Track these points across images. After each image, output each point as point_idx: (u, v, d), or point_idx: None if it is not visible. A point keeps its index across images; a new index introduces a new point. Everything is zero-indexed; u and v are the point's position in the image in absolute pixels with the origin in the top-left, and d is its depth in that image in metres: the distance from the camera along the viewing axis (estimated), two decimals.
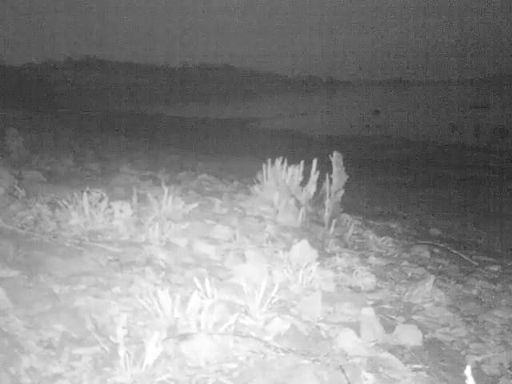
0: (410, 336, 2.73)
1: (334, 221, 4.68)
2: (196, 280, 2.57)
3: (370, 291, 3.48)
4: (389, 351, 2.50)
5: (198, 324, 2.29)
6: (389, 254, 4.58)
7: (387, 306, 3.28)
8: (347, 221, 5.10)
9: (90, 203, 3.65)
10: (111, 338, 2.10)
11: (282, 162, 5.23)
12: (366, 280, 3.57)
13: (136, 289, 2.69)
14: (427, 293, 3.44)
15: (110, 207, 3.69)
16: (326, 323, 2.75)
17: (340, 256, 4.03)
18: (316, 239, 4.35)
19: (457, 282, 3.95)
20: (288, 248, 3.80)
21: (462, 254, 4.84)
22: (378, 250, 4.62)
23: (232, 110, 44.77)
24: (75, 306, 2.41)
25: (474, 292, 3.79)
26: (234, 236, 3.96)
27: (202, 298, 2.46)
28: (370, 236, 4.90)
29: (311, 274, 3.20)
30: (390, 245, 4.81)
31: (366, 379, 2.16)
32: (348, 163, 4.97)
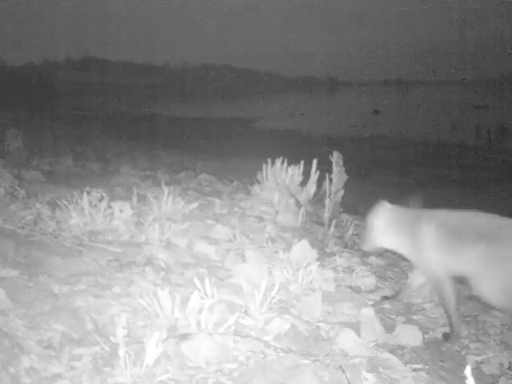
0: (410, 336, 2.73)
1: (333, 221, 4.68)
2: (196, 280, 2.57)
3: (370, 291, 3.48)
4: (389, 351, 2.50)
5: (198, 324, 2.29)
6: (389, 253, 4.58)
7: (387, 306, 3.28)
8: (347, 221, 5.10)
9: (90, 203, 3.64)
10: (111, 338, 2.10)
11: (282, 162, 5.23)
12: (366, 280, 3.57)
13: (136, 289, 2.69)
14: (427, 293, 3.44)
15: (110, 207, 3.69)
16: (325, 323, 2.75)
17: (340, 256, 4.03)
18: (316, 239, 4.35)
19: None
20: (288, 248, 3.80)
21: None
22: None
23: (232, 110, 44.74)
24: (75, 305, 2.41)
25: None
26: (234, 236, 3.96)
27: (202, 298, 2.46)
28: None
29: (311, 274, 3.20)
30: None
31: (366, 379, 2.16)
32: (348, 163, 4.97)
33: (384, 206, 3.12)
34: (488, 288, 2.73)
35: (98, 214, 3.61)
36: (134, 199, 4.15)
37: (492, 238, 2.68)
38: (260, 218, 4.68)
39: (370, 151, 18.12)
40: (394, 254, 4.57)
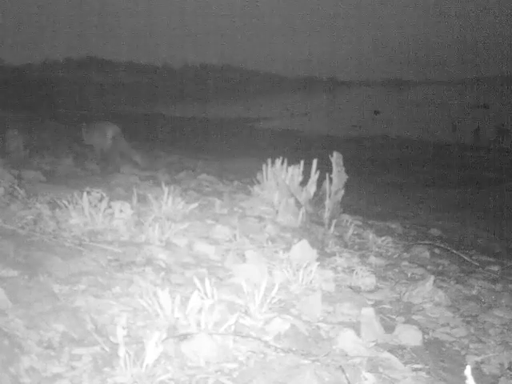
0: (410, 336, 2.73)
1: (333, 221, 4.68)
2: (196, 280, 2.57)
3: (370, 291, 3.48)
4: (389, 351, 2.50)
5: (198, 324, 2.29)
6: (389, 253, 4.58)
7: (387, 306, 3.28)
8: (347, 221, 5.10)
9: (90, 203, 3.64)
10: (111, 338, 2.11)
11: (282, 162, 5.23)
12: (366, 280, 3.57)
13: (136, 289, 2.69)
14: (427, 293, 3.43)
15: (109, 207, 3.69)
16: (326, 323, 2.75)
17: (340, 256, 4.03)
18: (316, 239, 4.35)
19: (457, 282, 3.94)
20: (288, 248, 3.80)
21: (461, 254, 4.84)
22: (377, 249, 4.62)
23: (232, 110, 44.72)
24: (75, 305, 2.41)
25: (474, 292, 3.79)
26: (234, 236, 3.95)
27: (202, 298, 2.46)
28: (370, 236, 4.90)
29: (311, 274, 3.20)
30: (390, 245, 4.81)
31: (365, 379, 2.16)
32: (348, 163, 4.97)
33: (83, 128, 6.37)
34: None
35: (97, 213, 3.61)
36: (134, 199, 4.15)
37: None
38: (260, 218, 4.68)
39: (370, 151, 18.12)
40: (394, 254, 4.60)
